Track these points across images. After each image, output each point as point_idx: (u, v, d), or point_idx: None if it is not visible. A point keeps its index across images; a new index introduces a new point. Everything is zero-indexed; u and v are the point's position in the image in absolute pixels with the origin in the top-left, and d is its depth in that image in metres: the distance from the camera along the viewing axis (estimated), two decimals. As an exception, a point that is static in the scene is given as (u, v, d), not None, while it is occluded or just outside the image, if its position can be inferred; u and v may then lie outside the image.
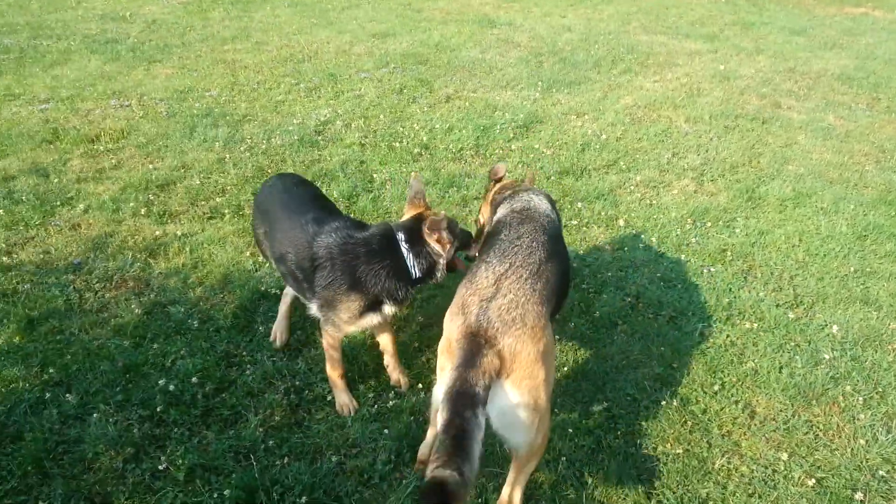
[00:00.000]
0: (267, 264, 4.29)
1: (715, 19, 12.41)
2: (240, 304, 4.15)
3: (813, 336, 4.13)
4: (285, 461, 3.11)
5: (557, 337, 4.02)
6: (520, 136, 6.91)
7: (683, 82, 8.74)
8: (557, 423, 3.38)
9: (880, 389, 3.72)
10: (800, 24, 12.24)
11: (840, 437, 3.41)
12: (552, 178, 5.98)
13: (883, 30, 12.11)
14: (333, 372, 3.47)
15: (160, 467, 3.04)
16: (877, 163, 6.62)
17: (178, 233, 4.92)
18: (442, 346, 2.72)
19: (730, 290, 4.54)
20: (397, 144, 6.53)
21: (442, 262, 3.31)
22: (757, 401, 3.63)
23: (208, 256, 4.64)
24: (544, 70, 9.05)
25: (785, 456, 3.28)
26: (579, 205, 5.54)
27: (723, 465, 3.22)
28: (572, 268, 4.66)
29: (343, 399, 3.47)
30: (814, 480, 3.14)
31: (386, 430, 3.30)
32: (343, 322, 3.29)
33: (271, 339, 3.88)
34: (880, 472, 3.21)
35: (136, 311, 4.09)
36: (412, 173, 4.16)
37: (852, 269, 4.82)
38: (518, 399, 2.51)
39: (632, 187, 5.91)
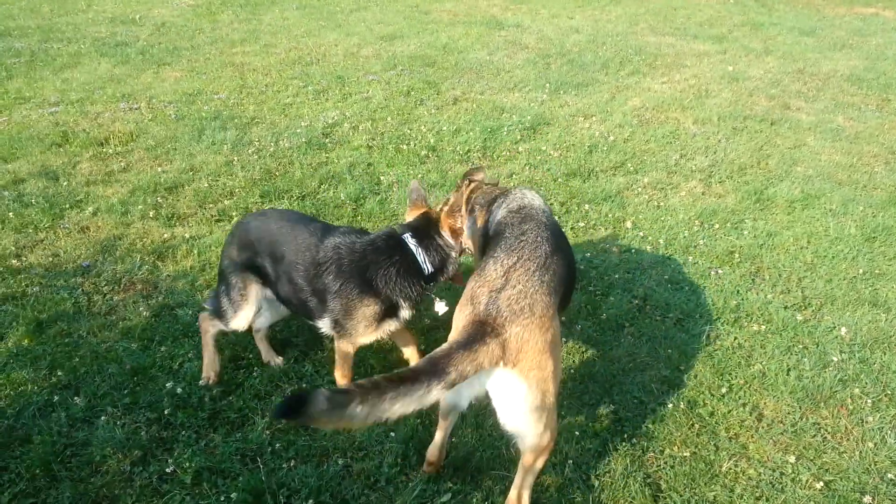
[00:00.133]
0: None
1: (723, 20, 12.36)
2: (247, 307, 4.16)
3: (821, 338, 4.10)
4: (292, 464, 3.12)
5: (564, 339, 4.01)
6: (527, 137, 6.90)
7: (692, 83, 8.71)
8: (564, 426, 3.38)
9: (889, 392, 3.70)
10: (809, 24, 12.17)
11: (848, 439, 3.39)
12: (559, 179, 5.97)
13: (893, 30, 12.02)
14: (345, 377, 3.46)
15: (167, 470, 3.06)
16: (886, 164, 6.57)
17: (187, 235, 4.95)
18: (453, 330, 2.73)
19: (737, 292, 4.52)
20: (405, 147, 6.54)
21: (454, 254, 3.36)
22: (765, 403, 3.61)
23: (216, 259, 4.66)
24: (552, 72, 9.04)
25: (793, 459, 3.25)
26: (587, 207, 5.53)
27: (730, 468, 3.20)
28: (580, 269, 4.67)
29: None
30: (822, 483, 3.12)
31: (392, 433, 3.31)
32: (360, 333, 3.27)
33: (203, 380, 3.57)
34: (889, 475, 3.18)
35: (144, 313, 4.11)
36: (412, 180, 4.18)
37: (861, 270, 4.79)
38: (525, 390, 2.50)
39: (639, 189, 5.89)
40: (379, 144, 6.64)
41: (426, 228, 3.32)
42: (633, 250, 4.99)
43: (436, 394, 2.34)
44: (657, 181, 6.03)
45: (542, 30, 11.22)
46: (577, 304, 4.31)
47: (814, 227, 5.32)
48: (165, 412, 3.36)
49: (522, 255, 2.86)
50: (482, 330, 2.50)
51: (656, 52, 10.13)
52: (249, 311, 3.47)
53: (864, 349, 4.02)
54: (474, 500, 3.00)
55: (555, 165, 6.25)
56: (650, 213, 5.48)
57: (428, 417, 3.41)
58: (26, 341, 3.84)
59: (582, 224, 5.30)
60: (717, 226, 5.32)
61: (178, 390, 3.48)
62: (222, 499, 2.91)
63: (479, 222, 3.53)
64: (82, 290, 4.33)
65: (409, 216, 3.46)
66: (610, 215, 5.43)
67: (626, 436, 3.36)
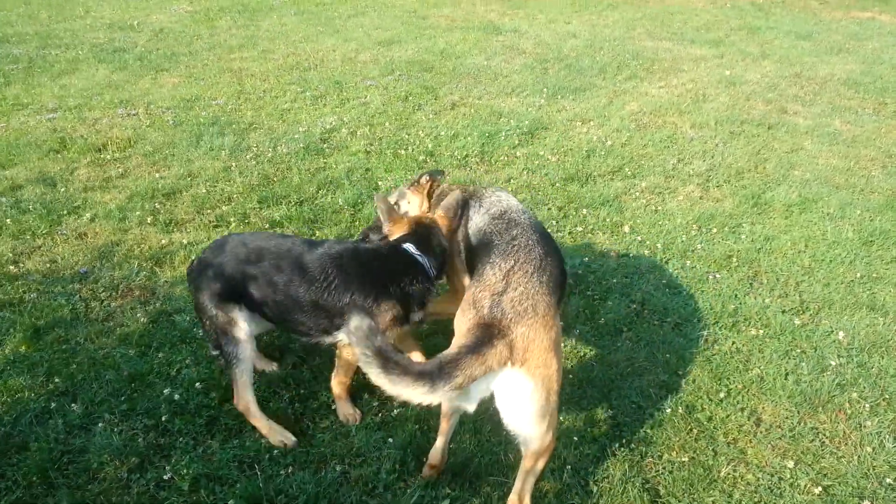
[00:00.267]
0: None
1: (720, 24, 12.39)
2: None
3: (819, 342, 4.10)
4: (290, 470, 3.11)
5: (562, 344, 4.00)
6: (525, 142, 6.91)
7: (689, 88, 8.73)
8: (562, 432, 3.38)
9: (887, 396, 3.69)
10: (806, 28, 12.21)
11: (846, 444, 3.39)
12: (557, 184, 5.98)
13: (889, 34, 12.06)
14: (342, 384, 3.45)
15: (165, 477, 3.05)
16: (883, 168, 6.59)
17: (185, 241, 4.95)
18: (453, 341, 2.74)
19: (735, 296, 4.52)
20: (402, 152, 6.55)
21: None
22: (763, 408, 3.61)
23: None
24: (549, 77, 9.06)
25: (791, 463, 3.25)
26: (584, 211, 5.53)
27: (728, 473, 3.20)
28: (577, 274, 4.67)
29: (348, 410, 3.47)
30: (820, 488, 3.12)
31: (390, 440, 3.30)
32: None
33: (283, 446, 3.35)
34: (887, 480, 3.18)
35: (142, 319, 4.11)
36: (376, 194, 4.21)
37: (858, 274, 4.79)
38: (532, 388, 2.55)
39: (637, 193, 5.90)
40: (377, 150, 6.65)
41: (426, 235, 3.39)
42: (631, 255, 4.99)
43: (440, 395, 2.38)
44: (655, 186, 6.04)
45: (539, 35, 11.25)
46: (575, 308, 4.32)
47: (811, 231, 5.33)
48: (163, 419, 3.35)
49: (519, 259, 2.94)
50: (489, 332, 2.55)
51: (653, 56, 10.15)
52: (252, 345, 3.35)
53: (861, 353, 4.02)
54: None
55: (552, 170, 6.26)
56: (648, 218, 5.49)
57: (427, 423, 3.41)
58: (23, 348, 3.84)
59: (580, 229, 5.30)
60: (714, 230, 5.33)
61: (176, 397, 3.48)
62: (220, 506, 2.91)
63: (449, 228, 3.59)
64: (80, 296, 4.32)
65: (395, 229, 3.47)
66: (608, 220, 5.43)
67: (624, 441, 3.35)
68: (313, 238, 5.00)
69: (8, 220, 5.15)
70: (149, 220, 5.23)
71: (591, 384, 3.72)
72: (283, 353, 3.90)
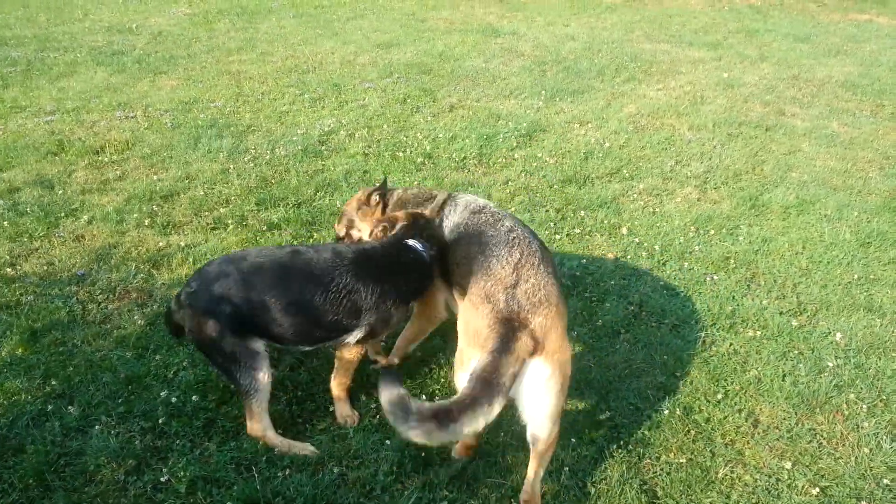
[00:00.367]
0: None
1: (718, 27, 12.42)
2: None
3: (816, 344, 4.11)
4: (287, 473, 3.10)
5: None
6: (523, 144, 6.92)
7: (687, 90, 8.74)
8: (560, 433, 3.37)
9: (884, 397, 3.70)
10: (804, 31, 12.24)
11: (844, 445, 3.39)
12: (555, 186, 5.98)
13: (887, 36, 12.09)
14: (342, 385, 3.45)
15: (162, 479, 3.04)
16: (881, 169, 6.60)
17: (182, 243, 4.94)
18: (468, 337, 2.80)
19: (733, 297, 4.53)
20: (401, 154, 6.55)
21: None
22: (760, 409, 3.60)
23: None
24: (548, 79, 9.07)
25: (788, 465, 3.25)
26: (582, 213, 5.54)
27: (726, 475, 3.20)
28: (575, 276, 4.67)
29: (346, 411, 3.47)
30: (818, 489, 3.12)
31: (388, 441, 3.29)
32: (384, 333, 3.37)
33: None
34: (885, 481, 3.18)
35: (139, 322, 4.10)
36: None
37: (856, 276, 4.80)
38: (550, 374, 2.66)
39: (635, 195, 5.90)
40: (375, 152, 6.65)
41: (423, 228, 3.45)
42: (629, 256, 4.99)
43: (498, 406, 2.47)
44: (652, 187, 6.05)
45: (537, 37, 11.26)
46: (573, 310, 4.31)
47: (809, 233, 5.34)
48: (160, 421, 3.34)
49: (523, 251, 3.03)
50: (511, 326, 2.65)
51: (652, 59, 10.17)
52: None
53: (859, 354, 4.02)
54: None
55: (550, 172, 6.26)
56: (646, 220, 5.49)
57: (423, 425, 3.40)
58: (20, 350, 3.83)
59: (577, 230, 5.31)
60: (712, 232, 5.33)
61: (173, 399, 3.47)
62: (217, 508, 2.90)
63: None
64: (77, 298, 4.32)
65: (371, 223, 3.57)
66: (605, 221, 5.44)
67: (622, 442, 3.35)
68: (311, 241, 5.01)
69: (5, 223, 5.15)
70: (146, 222, 5.22)
71: (589, 386, 3.72)
72: (280, 355, 3.89)
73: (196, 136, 6.84)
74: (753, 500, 3.08)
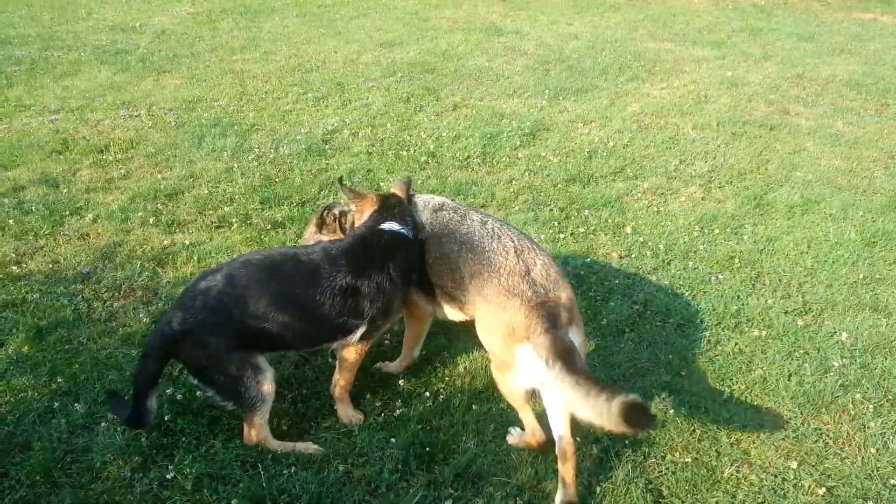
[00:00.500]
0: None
1: (722, 26, 12.40)
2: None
3: (822, 343, 4.10)
4: (292, 470, 3.11)
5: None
6: (526, 143, 6.91)
7: (691, 89, 8.73)
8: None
9: (890, 397, 3.69)
10: (808, 30, 12.21)
11: (850, 445, 3.38)
12: (559, 185, 5.98)
13: (892, 35, 12.06)
14: (344, 388, 3.43)
15: (168, 476, 3.05)
16: (886, 169, 6.58)
17: (187, 242, 4.95)
18: (504, 335, 2.90)
19: (738, 297, 4.52)
20: (404, 153, 6.55)
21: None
22: (766, 409, 3.60)
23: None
24: (551, 78, 9.07)
25: (794, 464, 3.25)
26: (586, 212, 5.53)
27: (732, 474, 3.20)
28: (579, 275, 4.67)
29: (350, 412, 3.46)
30: (824, 489, 3.11)
31: (393, 440, 3.30)
32: (388, 324, 3.39)
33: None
34: (892, 481, 3.17)
35: (145, 320, 4.10)
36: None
37: (861, 275, 4.79)
38: (582, 340, 2.93)
39: (639, 194, 5.90)
40: (379, 151, 6.66)
41: (399, 207, 3.48)
42: (633, 255, 4.99)
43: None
44: (657, 186, 6.04)
45: (541, 36, 11.25)
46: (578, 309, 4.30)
47: (814, 232, 5.33)
48: (166, 418, 3.34)
49: (511, 238, 3.15)
50: (548, 307, 2.83)
51: (655, 57, 10.16)
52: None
53: (865, 354, 4.01)
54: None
55: (554, 171, 6.26)
56: (650, 219, 5.49)
57: (429, 423, 3.41)
58: (26, 348, 3.84)
59: (582, 229, 5.30)
60: (716, 231, 5.32)
61: (178, 397, 3.48)
62: (223, 505, 2.91)
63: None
64: (82, 296, 4.33)
65: (365, 206, 3.51)
66: (610, 221, 5.43)
67: (627, 442, 3.35)
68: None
69: (10, 221, 5.16)
70: (151, 220, 5.23)
71: (594, 385, 3.72)
72: (285, 353, 3.89)
73: (200, 134, 6.84)
74: (759, 500, 3.08)
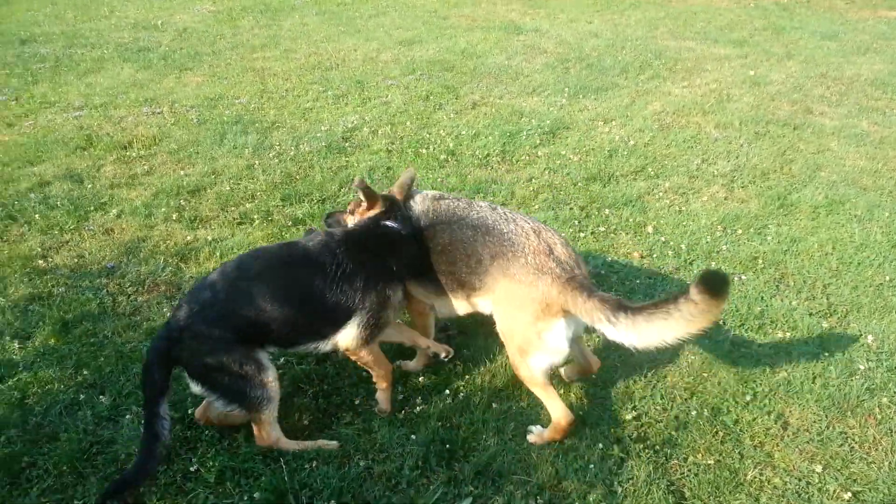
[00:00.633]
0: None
1: (744, 24, 12.27)
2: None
3: (847, 346, 4.04)
4: (314, 465, 3.12)
5: (588, 345, 3.98)
6: (546, 142, 6.89)
7: (712, 88, 8.65)
8: (584, 432, 3.36)
9: (918, 401, 3.63)
10: (832, 28, 12.05)
11: (877, 449, 3.33)
12: (579, 184, 5.95)
13: (918, 34, 11.86)
14: (387, 377, 3.43)
15: (191, 469, 3.08)
16: (913, 169, 6.48)
17: (209, 238, 4.99)
18: (536, 312, 3.02)
19: (761, 298, 4.47)
20: (424, 151, 6.56)
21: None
22: (790, 411, 3.56)
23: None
24: (571, 76, 9.03)
25: (819, 468, 3.21)
26: (607, 211, 5.50)
27: (755, 477, 3.16)
28: (600, 275, 4.65)
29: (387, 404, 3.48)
30: (850, 494, 3.07)
31: (413, 436, 3.30)
32: (390, 320, 3.38)
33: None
34: (919, 487, 3.13)
35: (168, 314, 4.14)
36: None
37: (888, 277, 4.71)
38: None
39: (660, 194, 5.85)
40: (398, 148, 6.67)
41: (395, 208, 3.52)
42: (655, 255, 4.95)
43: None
44: (678, 186, 5.99)
45: (560, 34, 11.21)
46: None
47: (839, 233, 5.26)
48: (189, 412, 3.38)
49: (526, 221, 3.27)
50: (581, 281, 3.00)
51: (676, 56, 10.07)
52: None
53: (891, 357, 3.95)
54: (495, 504, 2.98)
55: (574, 170, 6.23)
56: (672, 218, 5.45)
57: (449, 421, 3.41)
58: (53, 341, 3.89)
59: (602, 229, 5.27)
60: (740, 231, 5.27)
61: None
62: (245, 498, 2.93)
63: None
64: (107, 290, 4.38)
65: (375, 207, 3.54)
66: (631, 220, 5.40)
67: (649, 442, 3.33)
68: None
69: (36, 216, 5.23)
70: (174, 216, 5.28)
71: (614, 385, 3.70)
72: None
73: (222, 132, 6.89)
74: None
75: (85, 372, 3.65)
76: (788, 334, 4.12)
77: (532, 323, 3.04)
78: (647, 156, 6.58)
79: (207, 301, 3.07)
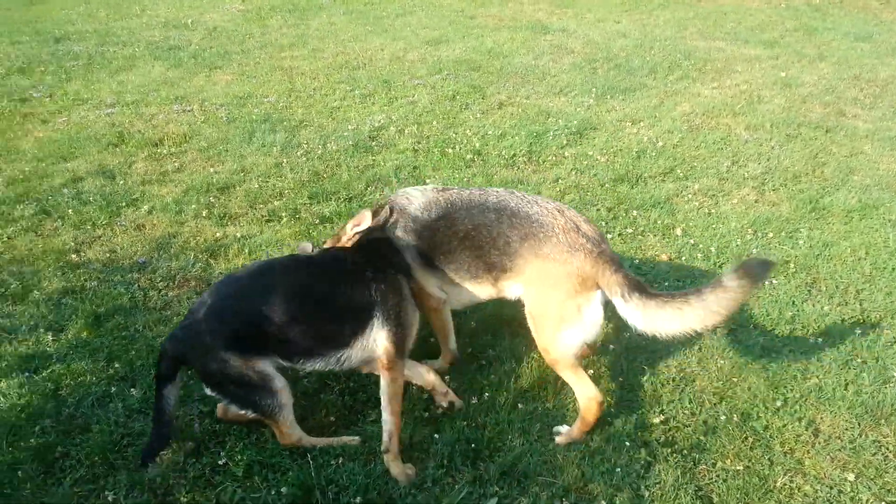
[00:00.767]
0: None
1: (775, 25, 12.08)
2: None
3: (881, 353, 3.96)
4: (340, 461, 3.14)
5: (611, 346, 3.97)
6: (573, 142, 6.85)
7: (743, 89, 8.53)
8: (612, 434, 3.34)
9: (955, 411, 3.55)
10: (866, 29, 11.82)
11: (912, 459, 3.27)
12: (606, 185, 5.91)
13: (956, 35, 11.59)
14: (397, 433, 3.14)
15: (220, 462, 3.12)
16: (950, 174, 6.33)
17: (238, 234, 5.05)
18: (571, 287, 3.11)
19: (793, 303, 4.40)
20: (450, 150, 6.56)
21: None
22: (821, 418, 3.50)
23: (266, 258, 4.74)
24: (598, 76, 8.97)
25: (851, 476, 3.15)
26: (634, 213, 5.46)
27: (785, 484, 3.12)
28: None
29: (400, 468, 3.13)
30: None
31: (436, 435, 3.30)
32: (413, 334, 3.33)
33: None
34: (956, 498, 3.06)
35: (197, 310, 4.19)
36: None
37: (923, 284, 4.62)
38: None
39: (689, 196, 5.79)
40: (424, 148, 6.68)
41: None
42: (683, 258, 4.90)
43: None
44: (708, 188, 5.92)
45: (588, 34, 11.13)
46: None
47: (872, 238, 5.15)
48: (218, 405, 3.41)
49: (548, 201, 3.36)
50: (609, 255, 3.14)
51: (706, 56, 9.95)
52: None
53: (927, 365, 3.87)
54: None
55: (602, 171, 6.19)
56: (701, 221, 5.38)
57: (474, 420, 3.41)
58: (85, 333, 3.97)
59: (630, 230, 5.23)
60: (770, 234, 5.20)
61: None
62: (273, 493, 2.96)
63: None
64: (138, 285, 4.45)
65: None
66: (659, 222, 5.35)
67: (676, 446, 3.30)
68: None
69: (70, 211, 5.33)
70: (204, 213, 5.35)
71: (642, 388, 3.67)
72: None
73: (250, 130, 6.96)
74: (814, 511, 3.00)
75: (116, 365, 3.71)
76: (820, 340, 4.05)
77: (569, 299, 3.11)
78: (676, 157, 6.51)
79: (214, 316, 3.02)
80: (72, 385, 3.57)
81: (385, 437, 3.10)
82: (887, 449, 3.31)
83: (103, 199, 5.53)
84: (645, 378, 3.74)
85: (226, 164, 6.23)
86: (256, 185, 5.81)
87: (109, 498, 2.96)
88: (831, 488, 3.11)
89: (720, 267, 4.79)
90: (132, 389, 3.54)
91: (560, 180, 6.04)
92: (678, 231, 5.23)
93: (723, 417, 3.46)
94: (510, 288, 3.39)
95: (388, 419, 3.12)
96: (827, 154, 6.69)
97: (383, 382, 3.18)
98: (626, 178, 6.06)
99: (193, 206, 5.43)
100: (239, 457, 3.12)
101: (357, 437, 3.29)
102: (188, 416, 3.38)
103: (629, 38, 10.91)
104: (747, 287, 2.82)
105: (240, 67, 9.30)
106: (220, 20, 12.11)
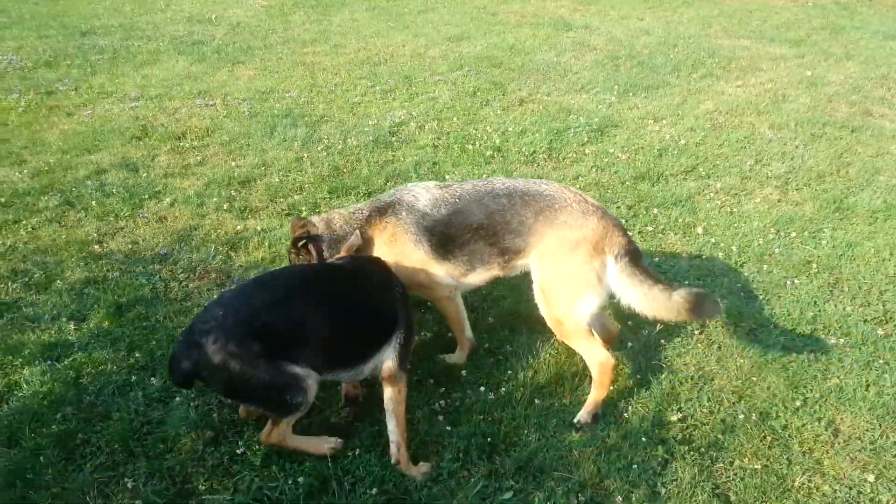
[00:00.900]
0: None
1: (801, 23, 11.91)
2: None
3: (905, 355, 3.90)
4: (357, 453, 3.16)
5: (630, 344, 3.94)
6: (594, 139, 6.82)
7: (767, 88, 8.43)
8: (629, 431, 3.33)
9: (981, 415, 3.48)
10: (895, 28, 11.61)
11: (935, 462, 3.21)
12: (627, 182, 5.87)
13: None
14: (404, 443, 3.08)
15: (238, 451, 3.15)
16: (979, 175, 6.20)
17: (258, 228, 5.09)
18: (588, 252, 3.25)
19: (814, 303, 4.35)
20: (470, 147, 6.55)
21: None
22: (841, 419, 3.45)
23: (286, 251, 4.77)
24: (621, 74, 8.90)
25: (871, 478, 3.11)
26: (655, 211, 5.42)
27: (803, 484, 3.08)
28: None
29: (414, 471, 3.07)
30: (904, 506, 2.97)
31: (449, 427, 3.31)
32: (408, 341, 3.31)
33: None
34: (980, 503, 3.00)
35: (217, 301, 4.24)
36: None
37: (950, 286, 4.53)
38: None
39: (711, 194, 5.73)
40: (444, 144, 6.68)
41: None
42: (704, 257, 4.86)
43: None
44: (730, 187, 5.86)
45: (611, 31, 11.06)
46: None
47: (897, 239, 5.07)
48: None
49: (549, 182, 3.48)
50: (616, 221, 3.37)
51: (730, 55, 9.84)
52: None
53: (952, 368, 3.80)
54: (536, 499, 2.97)
55: (622, 168, 6.15)
56: (722, 220, 5.33)
57: (490, 415, 3.41)
58: (107, 323, 4.03)
59: (650, 228, 5.19)
60: (793, 234, 5.13)
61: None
62: (290, 482, 2.98)
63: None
64: (160, 276, 4.51)
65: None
66: (680, 220, 5.30)
67: (694, 444, 3.27)
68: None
69: (93, 203, 5.41)
70: (225, 206, 5.40)
71: (659, 385, 3.65)
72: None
73: (272, 124, 7.01)
74: (833, 512, 2.96)
75: (137, 354, 3.76)
76: (842, 340, 4.00)
77: (585, 263, 3.25)
78: (699, 155, 6.45)
79: (241, 315, 2.83)
80: (93, 373, 3.63)
81: (393, 448, 3.07)
82: (910, 451, 3.26)
83: (126, 191, 5.60)
84: (663, 376, 3.71)
85: (247, 158, 6.29)
86: (277, 179, 5.85)
87: (129, 485, 3.00)
88: (850, 489, 3.07)
89: (742, 266, 4.74)
90: (152, 378, 3.58)
91: (580, 177, 6.02)
92: (699, 229, 5.18)
93: (741, 416, 3.43)
94: (520, 266, 3.51)
95: (394, 430, 3.09)
96: (852, 154, 6.58)
97: (388, 394, 3.12)
98: (647, 175, 6.01)
99: (215, 199, 5.48)
100: (257, 446, 3.15)
101: (340, 440, 3.19)
102: (207, 405, 3.42)
103: (652, 36, 10.82)
104: (685, 314, 3.12)
105: (262, 62, 9.37)
106: (244, 16, 12.21)
